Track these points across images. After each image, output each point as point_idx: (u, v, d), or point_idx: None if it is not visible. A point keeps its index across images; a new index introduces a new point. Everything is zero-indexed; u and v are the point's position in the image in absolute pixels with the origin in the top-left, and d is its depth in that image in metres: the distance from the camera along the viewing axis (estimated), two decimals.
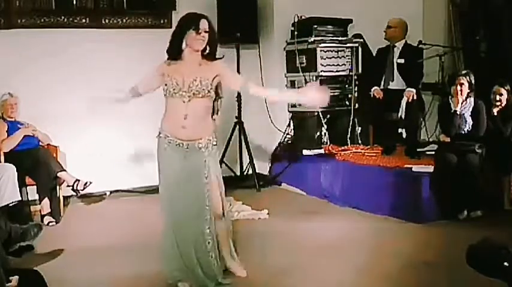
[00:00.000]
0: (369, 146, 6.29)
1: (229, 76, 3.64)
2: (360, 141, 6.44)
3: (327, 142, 6.43)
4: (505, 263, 2.75)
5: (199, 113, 3.48)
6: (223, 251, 3.69)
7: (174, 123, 3.50)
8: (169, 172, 3.55)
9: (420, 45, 6.30)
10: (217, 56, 3.55)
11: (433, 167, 5.13)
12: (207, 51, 3.51)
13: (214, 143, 3.58)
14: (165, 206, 3.64)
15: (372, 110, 6.17)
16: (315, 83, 3.69)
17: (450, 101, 5.29)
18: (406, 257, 4.06)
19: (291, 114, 6.80)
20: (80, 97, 5.98)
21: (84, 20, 6.04)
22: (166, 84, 3.50)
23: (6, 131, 5.29)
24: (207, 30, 3.47)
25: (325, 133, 6.44)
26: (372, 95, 6.05)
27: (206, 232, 3.51)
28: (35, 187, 5.26)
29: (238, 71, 6.52)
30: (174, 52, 3.54)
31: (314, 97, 3.43)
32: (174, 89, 3.45)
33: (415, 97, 5.78)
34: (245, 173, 6.73)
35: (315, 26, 6.48)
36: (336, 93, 6.53)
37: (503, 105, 5.25)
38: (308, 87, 3.70)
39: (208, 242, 3.52)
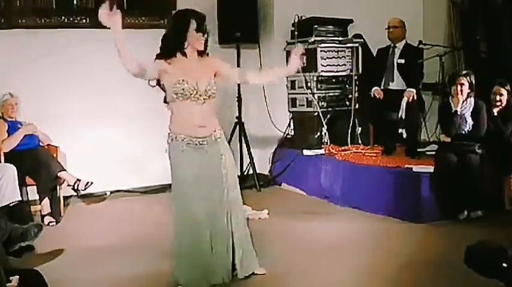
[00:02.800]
0: (369, 146, 6.29)
1: (227, 70, 3.68)
2: (360, 142, 6.44)
3: (327, 142, 6.43)
4: (504, 264, 2.75)
5: (212, 110, 3.57)
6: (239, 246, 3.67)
7: (191, 125, 3.50)
8: (189, 172, 3.50)
9: (420, 45, 6.30)
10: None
11: (433, 167, 5.13)
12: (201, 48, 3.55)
13: (222, 131, 3.67)
14: (183, 207, 3.52)
15: (372, 110, 6.17)
16: (297, 49, 3.65)
17: (450, 101, 5.29)
18: (406, 257, 4.06)
19: (291, 114, 6.80)
20: (80, 97, 6.02)
21: (84, 20, 6.04)
22: (176, 87, 3.46)
23: (7, 131, 5.29)
24: (206, 29, 3.52)
25: (325, 133, 6.44)
26: (372, 95, 6.05)
27: (228, 226, 3.55)
28: (35, 187, 5.26)
29: None
30: (173, 51, 3.53)
31: (296, 63, 3.61)
32: (190, 93, 3.46)
33: (415, 97, 5.78)
34: (245, 173, 6.73)
35: (315, 26, 6.48)
36: (336, 94, 6.54)
37: (503, 105, 5.25)
38: (292, 57, 3.67)
39: (229, 237, 3.55)
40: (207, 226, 3.49)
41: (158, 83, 3.60)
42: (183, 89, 3.45)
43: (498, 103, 5.25)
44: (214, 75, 3.57)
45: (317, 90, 6.44)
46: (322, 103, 6.44)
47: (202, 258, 3.48)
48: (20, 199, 4.81)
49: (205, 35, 3.52)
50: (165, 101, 3.65)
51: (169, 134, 3.62)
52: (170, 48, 3.55)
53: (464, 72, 5.33)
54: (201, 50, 3.53)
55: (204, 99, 3.48)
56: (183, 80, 3.45)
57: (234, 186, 3.64)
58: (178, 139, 3.54)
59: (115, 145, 6.17)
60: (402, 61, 6.02)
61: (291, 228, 4.90)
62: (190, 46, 3.51)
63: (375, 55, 6.49)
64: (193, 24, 3.48)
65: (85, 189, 5.25)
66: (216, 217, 3.53)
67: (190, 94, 3.45)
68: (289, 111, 6.80)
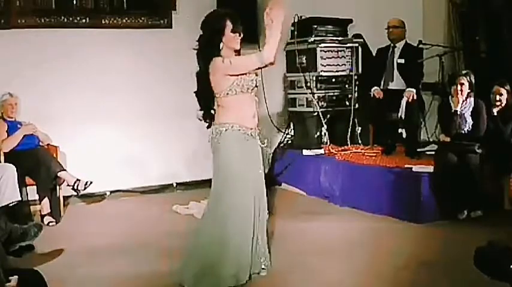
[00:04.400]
0: (368, 146, 6.29)
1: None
2: (360, 142, 6.44)
3: (327, 142, 6.43)
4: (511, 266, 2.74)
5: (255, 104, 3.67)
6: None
7: (245, 116, 3.59)
8: (246, 162, 3.61)
9: (420, 45, 6.30)
10: None
11: (433, 167, 5.13)
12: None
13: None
14: (235, 196, 3.58)
15: (372, 110, 6.17)
16: None
17: (450, 101, 5.29)
18: (406, 257, 4.06)
19: (290, 114, 6.80)
20: (80, 97, 6.02)
21: (84, 20, 6.04)
22: (240, 80, 3.52)
23: (6, 131, 5.29)
24: (240, 29, 3.60)
25: (325, 133, 6.44)
26: (372, 95, 6.06)
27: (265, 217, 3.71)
28: (35, 187, 5.25)
29: None
30: (212, 52, 3.55)
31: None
32: (251, 86, 3.56)
33: (415, 97, 5.78)
34: None
35: (315, 26, 6.48)
36: (336, 93, 6.54)
37: (503, 105, 5.25)
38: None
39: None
40: (254, 216, 3.61)
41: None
42: (249, 81, 3.54)
43: (498, 103, 5.25)
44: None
45: (317, 90, 6.44)
46: (322, 103, 6.45)
47: (248, 247, 3.58)
48: (20, 198, 4.79)
49: (241, 35, 3.60)
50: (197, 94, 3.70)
51: (222, 124, 3.64)
52: (208, 51, 3.55)
53: (464, 72, 5.33)
54: (238, 49, 3.63)
55: (254, 91, 3.63)
56: (249, 74, 3.54)
57: None
58: (241, 130, 3.60)
59: (115, 145, 6.17)
60: (402, 61, 6.02)
61: (291, 228, 4.89)
62: (226, 47, 3.57)
63: (374, 55, 6.49)
64: (229, 26, 3.55)
65: (85, 189, 5.25)
66: (261, 208, 3.69)
67: (251, 86, 3.56)
68: (289, 111, 6.80)
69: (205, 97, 3.65)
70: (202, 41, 3.58)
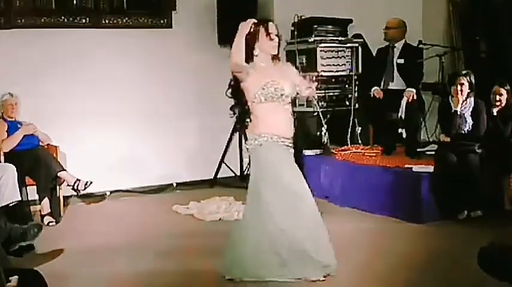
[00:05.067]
0: (368, 146, 6.28)
1: (299, 80, 3.76)
2: (360, 142, 6.44)
3: (327, 142, 6.42)
4: None
5: (290, 113, 3.71)
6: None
7: (278, 125, 3.62)
8: (282, 173, 3.61)
9: (420, 45, 6.30)
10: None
11: (433, 167, 5.13)
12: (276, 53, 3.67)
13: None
14: (272, 208, 3.58)
15: (372, 110, 6.17)
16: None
17: (450, 101, 5.29)
18: (406, 257, 4.05)
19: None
20: (80, 97, 6.03)
21: (84, 20, 6.04)
22: (263, 89, 3.55)
23: (7, 131, 5.29)
24: (277, 33, 3.62)
25: (325, 133, 6.44)
26: (372, 95, 6.05)
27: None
28: (35, 187, 5.25)
29: None
30: (246, 57, 3.59)
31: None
32: (275, 95, 3.56)
33: (415, 97, 5.78)
34: (245, 173, 6.73)
35: (315, 26, 6.48)
36: (336, 93, 6.54)
37: (503, 105, 5.24)
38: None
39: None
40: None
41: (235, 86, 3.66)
42: (264, 89, 3.55)
43: (498, 103, 5.25)
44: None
45: (317, 90, 6.42)
46: (322, 103, 6.44)
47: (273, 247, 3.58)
48: (20, 199, 4.80)
49: (278, 39, 3.62)
50: (232, 107, 3.72)
51: (255, 133, 3.64)
52: (241, 55, 3.60)
53: (464, 72, 5.33)
54: (275, 54, 3.64)
55: (288, 101, 3.65)
56: (272, 81, 3.55)
57: None
58: (274, 140, 3.63)
59: (115, 145, 6.18)
60: (402, 61, 6.02)
61: None
62: (262, 52, 3.60)
63: (374, 55, 6.49)
64: (262, 31, 3.58)
65: (85, 189, 5.25)
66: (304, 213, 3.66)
67: (277, 95, 3.57)
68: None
69: (237, 104, 3.71)
70: (237, 49, 3.64)
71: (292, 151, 3.72)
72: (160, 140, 6.44)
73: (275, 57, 3.68)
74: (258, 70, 3.59)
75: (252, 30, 3.60)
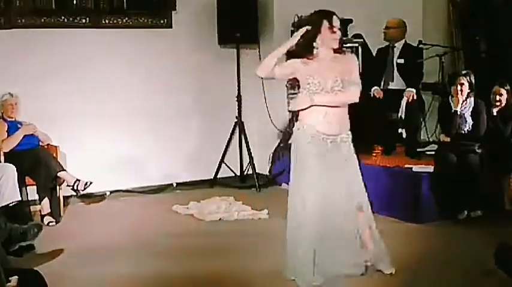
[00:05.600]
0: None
1: (355, 77, 3.66)
2: None
3: None
4: None
5: (341, 110, 3.60)
6: (366, 247, 3.72)
7: (318, 119, 3.56)
8: (312, 164, 3.57)
9: (420, 45, 6.30)
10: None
11: (433, 167, 5.13)
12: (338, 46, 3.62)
13: (351, 138, 3.68)
14: (305, 201, 3.58)
15: (372, 110, 6.16)
16: None
17: (450, 101, 5.29)
18: (406, 257, 4.05)
19: (290, 114, 6.79)
20: (80, 97, 6.02)
21: (84, 20, 6.03)
22: (308, 83, 3.57)
23: (7, 131, 5.29)
24: (339, 27, 3.58)
25: None
26: (372, 95, 6.05)
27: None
28: (35, 187, 5.25)
29: (238, 71, 6.54)
30: (307, 50, 3.59)
31: None
32: (316, 89, 3.55)
33: (415, 97, 5.78)
34: (245, 173, 6.73)
35: None
36: None
37: (503, 105, 5.25)
38: None
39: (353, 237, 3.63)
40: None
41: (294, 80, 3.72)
42: (309, 84, 3.56)
43: (498, 103, 5.25)
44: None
45: None
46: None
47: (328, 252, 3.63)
48: (20, 199, 4.80)
49: (339, 32, 3.58)
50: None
51: (298, 124, 3.66)
52: (302, 50, 3.61)
53: (464, 72, 5.33)
54: (336, 48, 3.60)
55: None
56: (312, 77, 3.56)
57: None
58: (306, 129, 3.59)
59: (115, 145, 6.17)
60: (402, 61, 6.02)
61: None
62: (323, 46, 3.57)
63: (374, 55, 6.48)
64: (325, 24, 3.55)
65: (84, 189, 5.25)
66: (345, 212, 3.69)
67: (316, 89, 3.54)
68: (289, 111, 6.79)
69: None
70: (301, 39, 3.62)
71: (337, 144, 3.62)
72: (160, 140, 6.44)
73: (338, 51, 3.64)
74: (309, 65, 3.58)
75: (314, 22, 3.58)
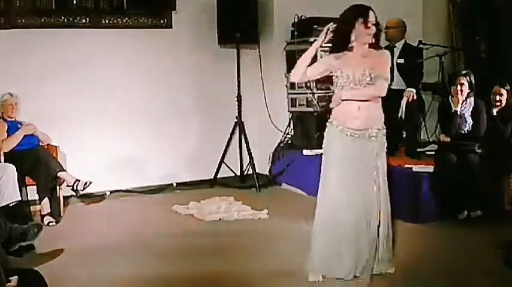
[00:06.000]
0: None
1: (384, 72, 3.61)
2: None
3: None
4: None
5: (370, 104, 3.57)
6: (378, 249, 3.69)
7: (346, 114, 3.56)
8: (338, 158, 3.60)
9: (420, 45, 6.30)
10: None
11: (433, 167, 5.13)
12: (373, 41, 3.59)
13: (384, 133, 3.64)
14: (329, 194, 3.64)
15: None
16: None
17: (450, 101, 5.29)
18: (406, 257, 4.05)
19: (291, 114, 6.80)
20: (80, 97, 6.03)
21: (84, 20, 6.04)
22: (337, 77, 3.58)
23: (7, 131, 5.29)
24: (374, 22, 3.56)
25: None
26: None
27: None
28: (35, 187, 5.25)
29: (238, 71, 6.54)
30: (341, 46, 3.58)
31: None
32: (344, 83, 3.54)
33: (415, 97, 5.78)
34: (245, 173, 6.73)
35: (315, 26, 6.45)
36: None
37: (503, 105, 5.25)
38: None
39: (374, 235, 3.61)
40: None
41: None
42: (337, 77, 3.57)
43: (498, 103, 5.25)
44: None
45: (317, 90, 6.43)
46: (322, 103, 6.44)
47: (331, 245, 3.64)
48: (20, 199, 4.80)
49: (374, 28, 3.56)
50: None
51: (330, 119, 3.69)
52: (337, 45, 3.61)
53: (464, 72, 5.33)
54: (370, 43, 3.57)
55: (358, 89, 3.54)
56: (338, 69, 3.56)
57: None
58: (334, 124, 3.62)
59: (115, 145, 6.18)
60: (402, 61, 6.02)
61: (291, 228, 4.89)
62: (357, 40, 3.55)
63: None
64: (359, 20, 3.53)
65: (84, 189, 5.24)
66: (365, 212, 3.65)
67: (344, 83, 3.54)
68: (289, 111, 6.79)
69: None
70: (335, 35, 3.63)
71: (369, 140, 3.59)
72: (160, 140, 6.44)
73: (374, 46, 3.61)
74: (342, 60, 3.57)
75: (348, 19, 3.57)
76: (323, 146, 3.72)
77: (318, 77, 3.83)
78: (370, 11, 3.58)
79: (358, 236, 3.57)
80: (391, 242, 3.78)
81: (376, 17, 3.60)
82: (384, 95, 3.61)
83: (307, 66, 3.69)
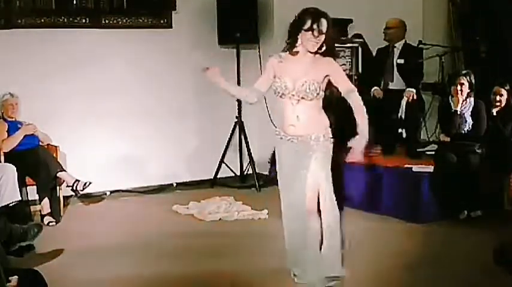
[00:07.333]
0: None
1: (339, 79, 3.47)
2: None
3: None
4: None
5: (310, 113, 3.44)
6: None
7: (285, 122, 3.50)
8: (282, 163, 3.59)
9: (420, 45, 6.30)
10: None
11: (433, 167, 5.13)
12: (323, 49, 3.38)
13: (328, 138, 3.51)
14: (282, 197, 3.73)
15: (372, 110, 6.16)
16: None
17: (450, 101, 5.30)
18: (406, 257, 4.06)
19: None
20: (80, 97, 6.03)
21: (84, 20, 6.04)
22: (274, 84, 3.48)
23: (7, 131, 5.29)
24: (324, 31, 3.34)
25: None
26: (372, 95, 6.05)
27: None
28: (35, 187, 5.25)
29: (238, 71, 6.54)
30: (291, 46, 3.44)
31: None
32: (282, 91, 3.43)
33: (415, 97, 5.78)
34: (245, 173, 6.73)
35: None
36: None
37: (503, 105, 5.25)
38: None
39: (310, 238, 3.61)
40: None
41: None
42: (276, 87, 3.45)
43: (498, 103, 5.25)
44: (324, 79, 3.44)
45: None
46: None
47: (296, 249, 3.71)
48: (20, 199, 4.80)
49: (323, 37, 3.34)
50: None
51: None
52: (288, 44, 3.48)
53: (464, 72, 5.34)
54: (311, 50, 3.36)
55: (297, 99, 3.39)
56: (278, 76, 3.45)
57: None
58: (276, 132, 3.59)
59: (115, 145, 6.17)
60: (402, 61, 6.02)
61: None
62: (303, 46, 3.38)
63: (374, 55, 6.49)
64: (306, 24, 3.36)
65: (83, 189, 5.25)
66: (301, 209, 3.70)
67: (282, 91, 3.42)
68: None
69: None
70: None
71: (303, 145, 3.45)
72: (160, 140, 6.44)
73: (321, 53, 3.39)
74: (284, 64, 3.44)
75: (299, 20, 3.41)
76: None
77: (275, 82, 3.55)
78: (322, 19, 3.36)
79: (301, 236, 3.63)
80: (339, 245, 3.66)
81: (329, 25, 3.36)
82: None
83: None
